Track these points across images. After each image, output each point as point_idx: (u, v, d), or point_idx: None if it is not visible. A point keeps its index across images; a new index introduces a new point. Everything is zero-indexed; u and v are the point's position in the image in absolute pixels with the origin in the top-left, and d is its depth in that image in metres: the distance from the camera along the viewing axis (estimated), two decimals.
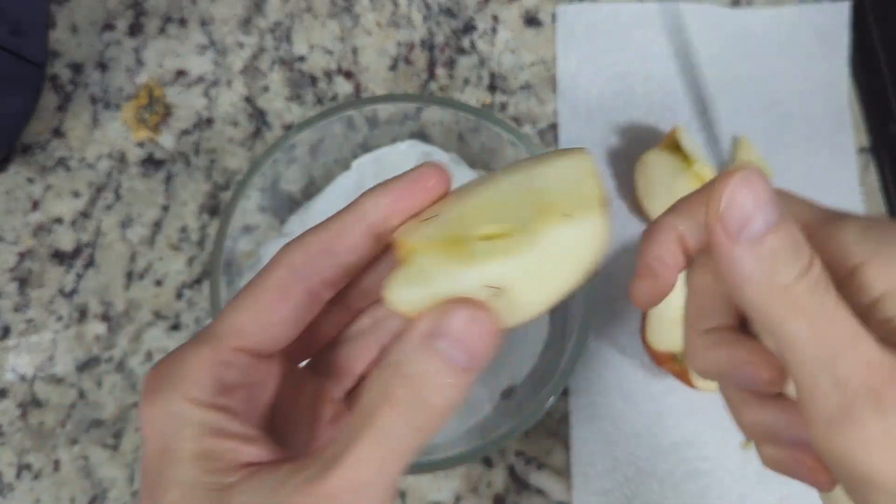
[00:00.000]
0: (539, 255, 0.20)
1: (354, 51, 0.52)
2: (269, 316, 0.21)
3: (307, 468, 0.19)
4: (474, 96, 0.52)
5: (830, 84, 0.52)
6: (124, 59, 0.52)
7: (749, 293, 0.19)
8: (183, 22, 0.53)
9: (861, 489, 0.18)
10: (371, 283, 0.25)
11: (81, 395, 0.44)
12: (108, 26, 0.52)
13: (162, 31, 0.52)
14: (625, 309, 0.46)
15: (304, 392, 0.24)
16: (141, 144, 0.50)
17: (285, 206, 0.46)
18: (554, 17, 0.53)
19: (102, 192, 0.49)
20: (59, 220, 0.48)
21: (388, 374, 0.19)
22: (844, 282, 0.20)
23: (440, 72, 0.52)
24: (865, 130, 0.51)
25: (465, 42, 0.53)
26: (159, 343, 0.46)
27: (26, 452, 0.43)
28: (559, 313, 0.43)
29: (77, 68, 0.51)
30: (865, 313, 0.19)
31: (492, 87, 0.52)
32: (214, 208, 0.48)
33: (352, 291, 0.25)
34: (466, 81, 0.52)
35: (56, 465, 0.43)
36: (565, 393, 0.45)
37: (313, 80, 0.52)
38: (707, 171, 0.46)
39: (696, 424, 0.44)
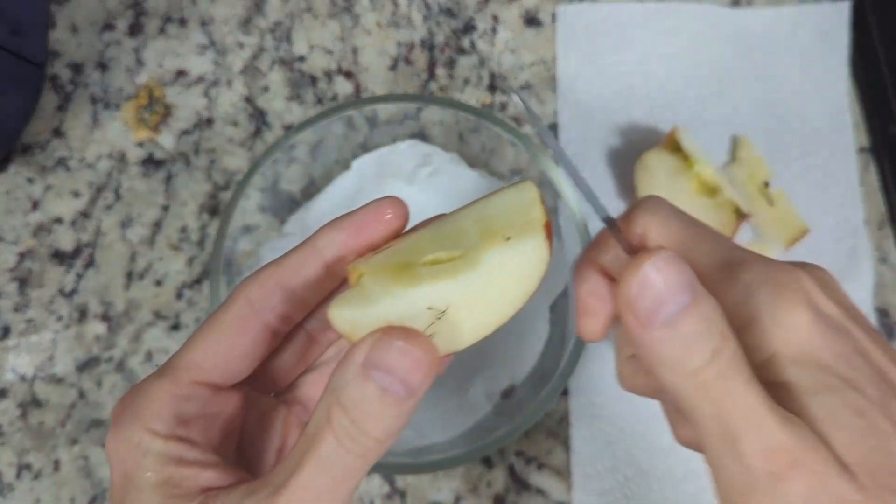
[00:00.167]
0: (481, 277, 0.20)
1: (354, 51, 0.52)
2: (226, 351, 0.22)
3: (259, 491, 0.20)
4: (474, 96, 0.52)
5: (830, 84, 0.52)
6: (124, 59, 0.52)
7: (660, 374, 0.19)
8: (183, 22, 0.53)
9: None
10: None
11: (81, 395, 0.44)
12: (108, 26, 0.52)
13: (162, 31, 0.52)
14: None
15: (272, 419, 0.25)
16: (141, 144, 0.50)
17: (285, 206, 0.46)
18: (554, 17, 0.53)
19: (102, 192, 0.49)
20: (59, 220, 0.48)
21: (330, 400, 0.19)
22: (743, 333, 0.20)
23: (440, 72, 0.52)
24: (865, 130, 0.51)
25: (465, 42, 0.53)
26: (159, 343, 0.46)
27: (26, 452, 0.43)
28: (559, 313, 0.43)
29: (77, 68, 0.51)
30: (760, 371, 0.20)
31: (492, 87, 0.52)
32: (214, 208, 0.48)
33: (318, 324, 0.25)
34: (466, 81, 0.52)
35: (56, 465, 0.43)
36: (565, 393, 0.45)
37: (313, 80, 0.52)
38: (707, 170, 0.46)
39: None
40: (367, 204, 0.23)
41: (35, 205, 0.48)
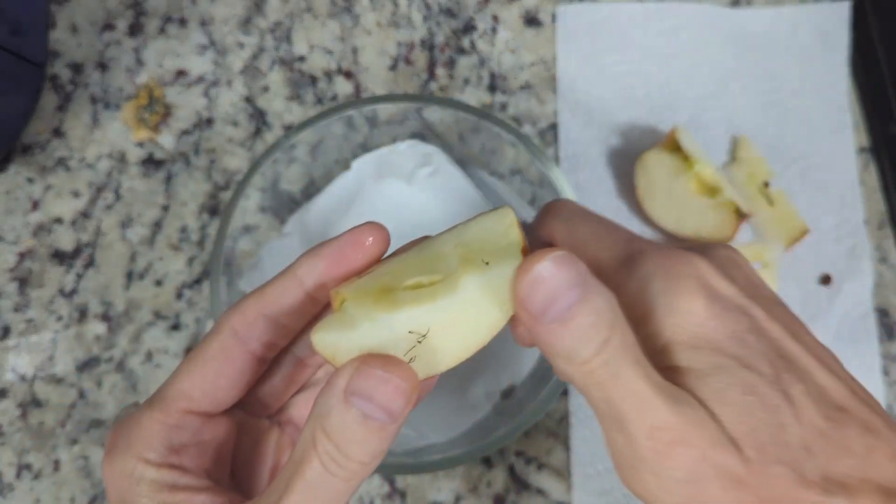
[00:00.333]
0: (460, 302, 0.21)
1: (354, 51, 0.52)
2: (213, 380, 0.23)
3: None
4: (474, 96, 0.52)
5: (830, 84, 0.52)
6: (124, 59, 0.52)
7: (555, 363, 0.20)
8: (183, 22, 0.53)
9: None
10: None
11: (81, 395, 0.44)
12: (108, 26, 0.52)
13: (162, 31, 0.52)
14: None
15: (265, 441, 0.26)
16: (141, 144, 0.50)
17: (285, 206, 0.46)
18: (554, 17, 0.53)
19: (102, 192, 0.49)
20: (59, 220, 0.48)
21: (314, 425, 0.20)
22: (642, 323, 0.21)
23: (440, 72, 0.52)
24: (865, 130, 0.51)
25: (465, 42, 0.53)
26: (159, 343, 0.46)
27: (26, 452, 0.43)
28: None
29: (77, 68, 0.51)
30: (657, 358, 0.21)
31: (492, 87, 0.52)
32: (214, 208, 0.48)
33: (305, 348, 0.26)
34: (466, 81, 0.52)
35: (56, 465, 0.43)
36: (565, 393, 0.45)
37: (313, 80, 0.52)
38: (707, 170, 0.46)
39: None
40: (348, 231, 0.23)
41: (35, 205, 0.48)
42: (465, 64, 0.52)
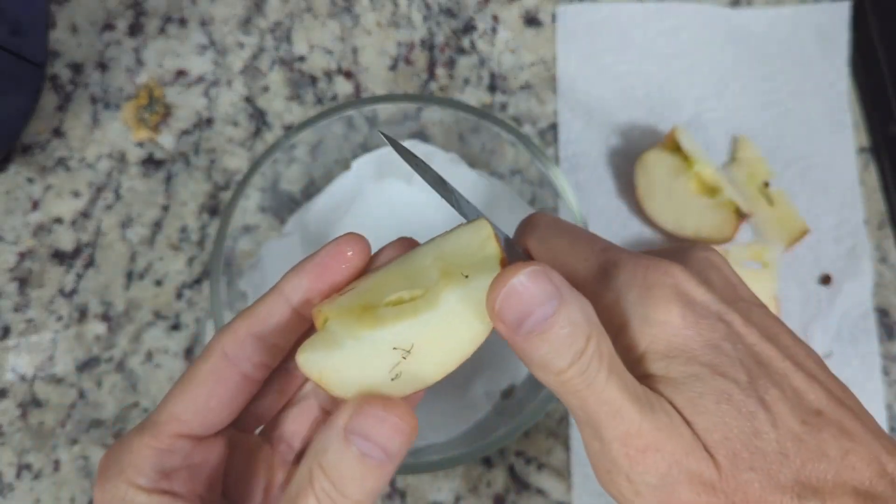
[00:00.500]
0: (442, 316, 0.21)
1: (354, 51, 0.52)
2: (205, 403, 0.23)
3: None
4: (474, 96, 0.52)
5: (830, 84, 0.52)
6: (124, 59, 0.52)
7: (532, 372, 0.21)
8: (183, 22, 0.53)
9: None
10: None
11: (81, 395, 0.44)
12: (108, 26, 0.52)
13: (162, 31, 0.52)
14: None
15: (257, 458, 0.26)
16: (141, 144, 0.50)
17: (285, 206, 0.46)
18: (554, 17, 0.53)
19: (102, 192, 0.49)
20: (59, 220, 0.48)
21: (312, 462, 0.20)
22: (620, 333, 0.22)
23: (440, 72, 0.52)
24: (865, 130, 0.51)
25: (465, 42, 0.53)
26: (159, 343, 0.46)
27: (26, 452, 0.43)
28: None
29: (77, 68, 0.51)
30: (635, 366, 0.22)
31: (492, 87, 0.52)
32: (214, 208, 0.48)
33: (294, 364, 0.26)
34: (466, 81, 0.52)
35: (56, 465, 0.43)
36: None
37: (313, 80, 0.52)
38: (707, 170, 0.46)
39: None
40: (328, 244, 0.23)
41: (35, 205, 0.48)
42: (465, 64, 0.52)
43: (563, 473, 0.43)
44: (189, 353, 0.45)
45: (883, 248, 0.48)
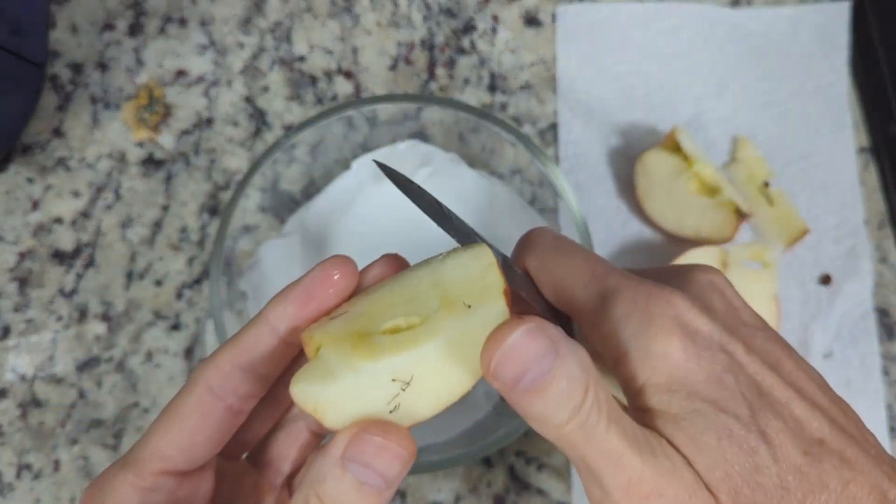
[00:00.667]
0: (443, 347, 0.20)
1: (354, 51, 0.52)
2: (189, 438, 0.22)
3: None
4: (474, 96, 0.52)
5: (830, 84, 0.52)
6: (124, 59, 0.52)
7: (530, 424, 0.20)
8: (183, 22, 0.53)
9: None
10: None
11: (81, 395, 0.44)
12: (108, 26, 0.52)
13: (162, 31, 0.52)
14: None
15: (244, 484, 0.25)
16: (141, 144, 0.50)
17: (285, 206, 0.46)
18: (554, 17, 0.53)
19: (102, 192, 0.49)
20: (59, 220, 0.48)
21: (308, 491, 0.20)
22: (618, 364, 0.21)
23: (440, 72, 0.52)
24: (865, 130, 0.51)
25: (465, 42, 0.53)
26: (159, 343, 0.46)
27: (26, 452, 0.43)
28: None
29: (77, 68, 0.51)
30: (635, 399, 0.21)
31: (492, 87, 0.52)
32: (214, 208, 0.48)
33: (282, 385, 0.25)
34: (466, 81, 0.52)
35: (56, 465, 0.43)
36: None
37: (313, 80, 0.52)
38: (707, 170, 0.46)
39: None
40: (313, 268, 0.22)
41: (35, 205, 0.48)
42: (465, 64, 0.52)
43: (563, 473, 0.43)
44: (189, 353, 0.45)
45: (883, 248, 0.48)
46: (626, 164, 0.49)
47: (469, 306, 0.20)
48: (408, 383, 0.20)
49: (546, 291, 0.24)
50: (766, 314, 0.44)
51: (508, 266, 0.24)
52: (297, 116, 0.51)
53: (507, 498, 0.43)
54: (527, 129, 0.51)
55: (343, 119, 0.42)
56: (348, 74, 0.52)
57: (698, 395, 0.20)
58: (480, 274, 0.21)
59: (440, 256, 0.22)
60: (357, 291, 0.23)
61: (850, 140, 0.50)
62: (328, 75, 0.52)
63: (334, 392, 0.20)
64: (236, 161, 0.50)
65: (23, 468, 0.43)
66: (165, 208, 0.48)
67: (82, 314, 0.46)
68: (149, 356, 0.45)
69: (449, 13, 0.54)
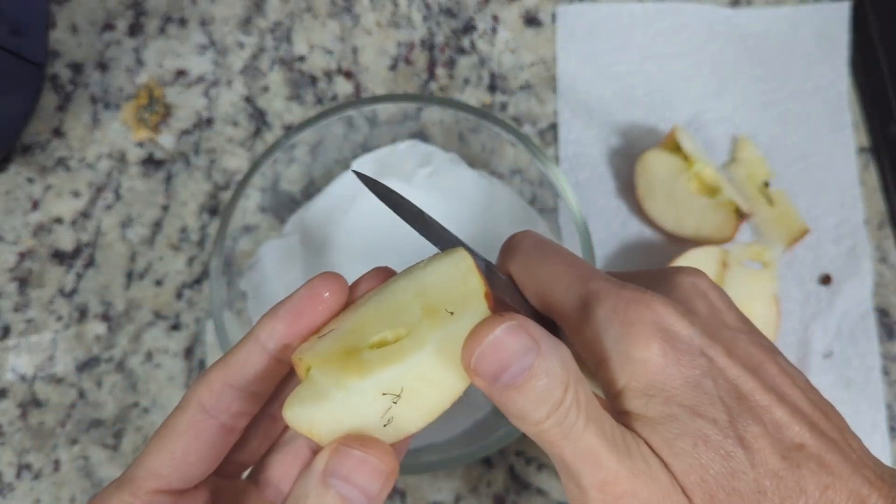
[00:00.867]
0: (430, 356, 0.20)
1: (354, 51, 0.52)
2: (183, 457, 0.22)
3: None
4: (474, 96, 0.52)
5: (830, 84, 0.52)
6: (124, 59, 0.52)
7: (511, 421, 0.21)
8: (183, 22, 0.53)
9: None
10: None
11: (81, 395, 0.44)
12: (108, 26, 0.52)
13: (162, 31, 0.52)
14: None
15: (245, 503, 0.25)
16: (141, 144, 0.50)
17: (285, 206, 0.46)
18: (554, 17, 0.53)
19: (102, 192, 0.49)
20: (59, 220, 0.48)
21: None
22: (599, 368, 0.22)
23: (440, 72, 0.52)
24: (865, 130, 0.51)
25: (465, 42, 0.53)
26: (159, 343, 0.46)
27: (26, 452, 0.43)
28: None
29: (77, 68, 0.51)
30: (615, 401, 0.22)
31: (492, 87, 0.52)
32: (214, 208, 0.48)
33: (277, 404, 0.25)
34: (466, 81, 0.52)
35: (56, 465, 0.43)
36: None
37: (313, 80, 0.52)
38: (707, 170, 0.46)
39: None
40: (303, 286, 0.22)
41: (35, 205, 0.48)
42: (465, 64, 0.52)
43: None
44: (189, 353, 0.45)
45: (883, 248, 0.48)
46: (626, 164, 0.49)
47: (452, 313, 0.21)
48: (399, 396, 0.20)
49: (530, 296, 0.24)
50: (766, 314, 0.44)
51: (492, 272, 0.24)
52: (297, 116, 0.51)
53: (507, 498, 0.43)
54: (527, 129, 0.51)
55: (343, 119, 0.42)
56: (348, 74, 0.52)
57: (675, 400, 0.21)
58: (461, 279, 0.21)
59: (421, 264, 0.22)
60: (348, 305, 0.23)
61: (850, 140, 0.50)
62: (328, 75, 0.52)
63: (326, 412, 0.20)
64: (236, 161, 0.50)
65: (23, 468, 0.43)
66: (165, 208, 0.48)
67: (82, 314, 0.46)
68: (149, 356, 0.45)
69: (449, 13, 0.54)
